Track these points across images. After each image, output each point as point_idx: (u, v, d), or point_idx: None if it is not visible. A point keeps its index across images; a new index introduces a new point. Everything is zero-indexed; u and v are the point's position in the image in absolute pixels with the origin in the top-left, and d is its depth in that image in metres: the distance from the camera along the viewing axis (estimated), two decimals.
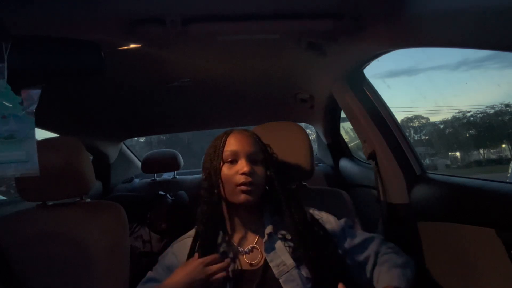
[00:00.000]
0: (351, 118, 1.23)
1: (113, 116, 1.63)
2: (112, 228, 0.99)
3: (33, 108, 0.61)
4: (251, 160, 0.77)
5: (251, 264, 0.75)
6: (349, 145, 1.91)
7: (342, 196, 1.10)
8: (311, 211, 0.83)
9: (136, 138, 5.36)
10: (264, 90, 1.46)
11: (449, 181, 0.94)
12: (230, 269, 0.73)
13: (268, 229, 0.77)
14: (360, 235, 0.82)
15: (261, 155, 0.79)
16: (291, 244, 0.76)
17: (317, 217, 0.82)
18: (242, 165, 0.75)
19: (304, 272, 0.72)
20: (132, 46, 0.89)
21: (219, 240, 0.77)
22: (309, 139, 1.05)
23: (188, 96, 1.46)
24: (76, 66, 0.77)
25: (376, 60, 1.04)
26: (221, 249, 0.76)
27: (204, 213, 0.77)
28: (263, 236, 0.77)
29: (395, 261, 0.76)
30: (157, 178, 2.18)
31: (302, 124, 1.52)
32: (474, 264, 0.82)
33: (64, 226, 0.98)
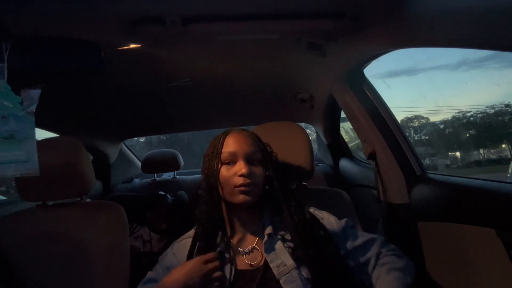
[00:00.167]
0: (351, 118, 1.23)
1: (113, 116, 1.63)
2: (112, 228, 0.99)
3: (33, 108, 0.61)
4: (249, 160, 0.77)
5: (251, 265, 0.75)
6: (349, 145, 1.91)
7: (342, 196, 1.10)
8: (312, 210, 0.83)
9: (136, 138, 5.35)
10: (264, 90, 1.46)
11: (449, 181, 0.94)
12: (229, 269, 0.73)
13: (268, 229, 0.77)
14: (362, 236, 0.81)
15: (259, 155, 0.79)
16: (291, 244, 0.75)
17: (318, 216, 0.82)
18: (240, 167, 0.75)
19: (304, 272, 0.72)
20: (132, 46, 0.89)
21: (219, 240, 0.77)
22: (309, 139, 1.05)
23: (188, 96, 1.46)
24: (76, 66, 0.78)
25: (376, 60, 1.04)
26: (220, 250, 0.76)
27: (203, 213, 0.76)
28: (262, 237, 0.77)
29: (395, 264, 0.76)
30: (157, 178, 2.18)
31: (302, 124, 1.52)
32: (474, 264, 0.82)
33: (64, 226, 0.98)
